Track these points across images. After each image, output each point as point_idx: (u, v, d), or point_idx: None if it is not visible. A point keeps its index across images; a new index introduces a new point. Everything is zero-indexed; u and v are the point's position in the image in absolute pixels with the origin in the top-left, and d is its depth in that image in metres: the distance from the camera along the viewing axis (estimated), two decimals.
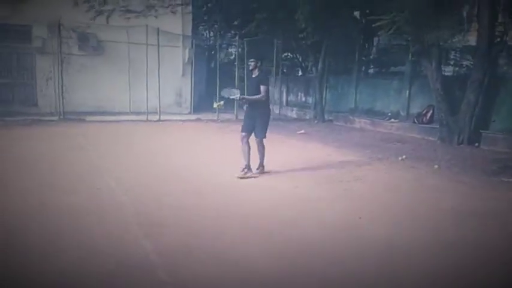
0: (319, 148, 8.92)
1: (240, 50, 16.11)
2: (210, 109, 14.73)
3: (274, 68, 14.93)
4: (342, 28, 12.65)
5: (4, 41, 13.85)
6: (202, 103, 16.74)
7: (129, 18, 13.27)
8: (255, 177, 5.94)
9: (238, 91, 6.09)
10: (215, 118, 13.95)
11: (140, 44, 14.32)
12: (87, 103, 14.69)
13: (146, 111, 13.46)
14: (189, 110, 16.42)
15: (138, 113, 13.87)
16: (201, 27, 19.59)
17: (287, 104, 17.27)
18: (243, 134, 6.01)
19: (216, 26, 18.36)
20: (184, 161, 7.24)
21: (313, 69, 14.47)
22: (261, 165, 6.16)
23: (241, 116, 14.87)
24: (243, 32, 15.45)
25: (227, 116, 14.42)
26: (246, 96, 6.00)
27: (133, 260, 3.19)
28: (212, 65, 21.30)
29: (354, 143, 9.71)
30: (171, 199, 4.86)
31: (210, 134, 10.99)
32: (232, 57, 24.03)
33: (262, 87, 5.77)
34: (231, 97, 5.98)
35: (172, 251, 3.40)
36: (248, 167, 5.97)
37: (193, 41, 16.18)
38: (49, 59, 13.63)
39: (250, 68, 5.95)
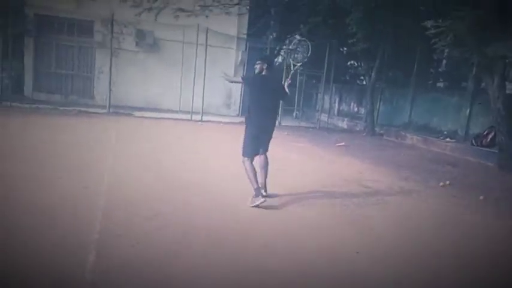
0: (353, 164, 8.22)
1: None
2: None
3: (324, 74, 14.23)
4: (400, 36, 11.71)
5: (69, 35, 14.71)
6: None
7: (177, 16, 13.25)
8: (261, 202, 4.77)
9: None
10: None
11: (195, 44, 14.50)
12: (138, 99, 15.15)
13: (191, 110, 13.46)
14: (237, 112, 16.30)
15: (187, 112, 13.82)
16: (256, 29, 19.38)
17: (338, 113, 16.50)
18: (248, 157, 4.97)
19: (272, 30, 18.02)
20: (181, 164, 6.93)
21: (366, 78, 13.61)
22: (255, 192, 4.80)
23: (286, 122, 14.86)
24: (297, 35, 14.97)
25: None
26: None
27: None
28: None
29: (395, 161, 8.87)
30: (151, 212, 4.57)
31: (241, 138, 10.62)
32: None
33: (286, 89, 5.15)
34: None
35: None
36: (257, 190, 4.82)
37: (247, 44, 15.98)
38: (107, 54, 14.19)
39: (256, 71, 5.13)
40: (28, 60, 14.44)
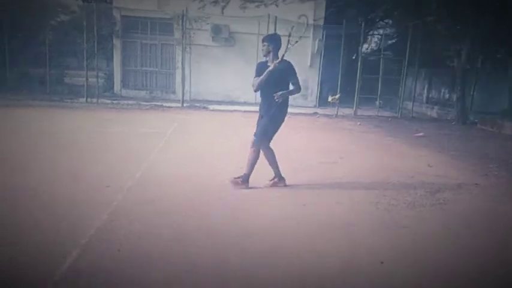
0: (425, 156, 7.25)
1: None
2: (345, 103, 13.74)
3: (406, 58, 12.88)
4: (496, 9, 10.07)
5: (152, 34, 15.52)
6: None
7: (245, 8, 13.07)
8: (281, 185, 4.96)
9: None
10: (332, 113, 12.91)
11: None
12: (216, 92, 15.40)
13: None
14: (314, 103, 15.70)
15: None
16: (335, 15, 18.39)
17: (427, 101, 14.90)
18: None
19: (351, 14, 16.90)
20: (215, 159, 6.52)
21: (455, 60, 12.02)
22: (243, 177, 4.82)
23: (365, 111, 13.75)
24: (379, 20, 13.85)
25: (348, 111, 13.24)
26: (282, 92, 4.60)
27: None
28: (354, 56, 19.98)
29: (481, 154, 7.65)
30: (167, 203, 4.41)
31: (306, 129, 9.87)
32: (376, 48, 22.21)
33: (295, 80, 4.68)
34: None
35: None
36: (278, 175, 4.97)
37: (324, 32, 15.22)
38: (186, 50, 14.61)
39: (263, 54, 4.77)
40: (117, 60, 15.54)
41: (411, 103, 13.97)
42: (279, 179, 4.96)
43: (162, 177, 5.13)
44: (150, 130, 8.65)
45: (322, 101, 15.55)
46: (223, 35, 15.08)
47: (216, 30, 15.01)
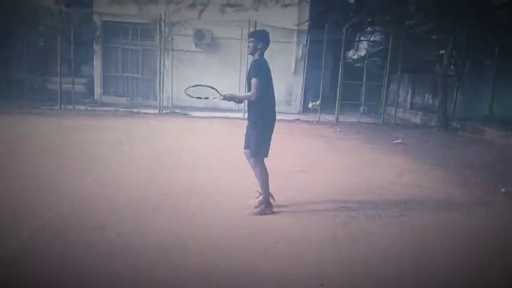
0: (400, 164, 7.03)
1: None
2: (328, 109, 13.48)
3: (387, 63, 12.70)
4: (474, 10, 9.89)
5: (133, 39, 15.26)
6: (324, 103, 15.28)
7: (223, 12, 12.89)
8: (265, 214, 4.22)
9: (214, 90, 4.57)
10: (313, 119, 12.71)
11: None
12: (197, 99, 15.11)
13: (243, 109, 13.01)
14: (298, 109, 15.50)
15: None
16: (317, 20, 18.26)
17: (411, 107, 14.74)
18: (245, 150, 4.44)
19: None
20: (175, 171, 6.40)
21: (437, 65, 11.87)
22: (264, 199, 4.25)
23: (347, 118, 13.54)
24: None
25: (331, 117, 13.05)
26: (231, 94, 4.32)
27: None
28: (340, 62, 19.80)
29: (460, 162, 7.43)
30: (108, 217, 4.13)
31: (283, 136, 9.50)
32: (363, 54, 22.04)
33: (253, 81, 4.09)
34: (203, 98, 4.63)
35: None
36: (266, 201, 4.27)
37: (308, 37, 15.04)
38: (168, 56, 14.34)
39: (249, 51, 4.30)
40: (97, 66, 15.25)
41: (395, 109, 13.80)
42: (266, 206, 4.25)
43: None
44: (111, 137, 8.26)
45: (306, 108, 15.37)
46: (206, 41, 14.85)
47: (199, 36, 14.78)
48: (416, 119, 14.02)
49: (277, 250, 3.43)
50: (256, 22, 12.69)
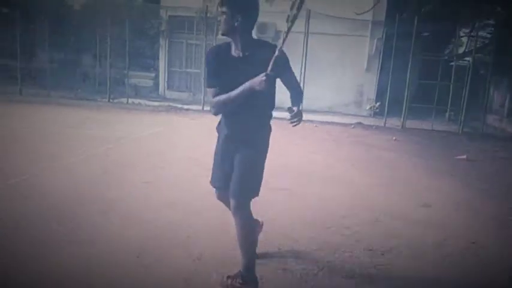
0: (439, 190, 5.20)
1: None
2: (414, 114, 11.21)
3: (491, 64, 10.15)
4: None
5: (197, 34, 14.81)
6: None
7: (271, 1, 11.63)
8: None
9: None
10: (379, 124, 10.88)
11: (320, 34, 12.75)
12: None
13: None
14: (370, 112, 13.63)
15: (313, 112, 11.24)
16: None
17: (509, 114, 11.83)
18: (217, 192, 2.80)
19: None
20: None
21: None
22: (246, 271, 2.57)
23: (416, 125, 11.00)
24: None
25: (413, 123, 10.79)
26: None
27: None
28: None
29: None
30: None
31: (315, 141, 8.11)
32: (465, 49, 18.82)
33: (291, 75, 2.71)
34: None
35: None
36: (251, 273, 2.57)
37: (385, 30, 13.07)
38: None
39: (222, 31, 2.55)
40: (162, 60, 15.18)
41: (490, 116, 11.28)
42: (251, 280, 2.56)
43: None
44: (120, 133, 7.60)
45: (381, 110, 13.35)
46: (268, 34, 13.86)
47: (262, 29, 13.85)
48: None
49: None
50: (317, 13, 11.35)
